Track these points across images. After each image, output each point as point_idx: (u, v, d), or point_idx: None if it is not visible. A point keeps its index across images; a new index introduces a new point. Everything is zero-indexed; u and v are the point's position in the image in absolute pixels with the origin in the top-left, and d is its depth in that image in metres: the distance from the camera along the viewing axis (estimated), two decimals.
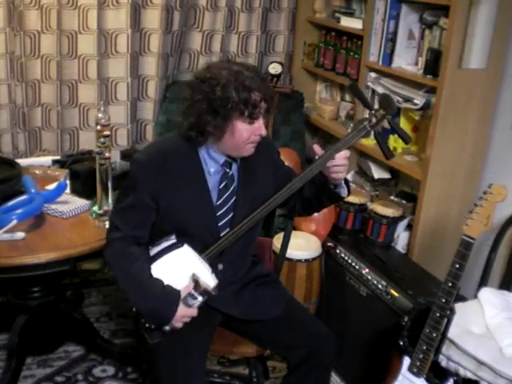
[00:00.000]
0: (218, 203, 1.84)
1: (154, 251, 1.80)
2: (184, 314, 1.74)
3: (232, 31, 3.40)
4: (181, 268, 1.77)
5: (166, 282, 1.76)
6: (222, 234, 1.84)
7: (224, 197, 1.85)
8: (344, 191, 1.90)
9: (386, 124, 2.82)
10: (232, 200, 1.86)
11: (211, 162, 1.82)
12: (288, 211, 2.12)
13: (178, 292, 1.74)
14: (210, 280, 1.76)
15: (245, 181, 1.87)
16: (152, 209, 1.80)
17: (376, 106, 1.81)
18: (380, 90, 2.77)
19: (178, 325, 1.76)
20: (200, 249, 1.80)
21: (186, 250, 1.78)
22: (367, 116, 1.80)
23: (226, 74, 1.69)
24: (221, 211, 1.85)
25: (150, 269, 1.76)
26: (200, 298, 1.75)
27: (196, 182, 1.81)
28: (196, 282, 1.74)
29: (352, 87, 2.08)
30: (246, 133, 1.74)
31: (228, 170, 1.84)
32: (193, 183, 1.81)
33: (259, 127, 1.75)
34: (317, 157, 1.79)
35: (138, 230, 1.81)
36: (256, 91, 1.70)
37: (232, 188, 1.86)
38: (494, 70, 2.40)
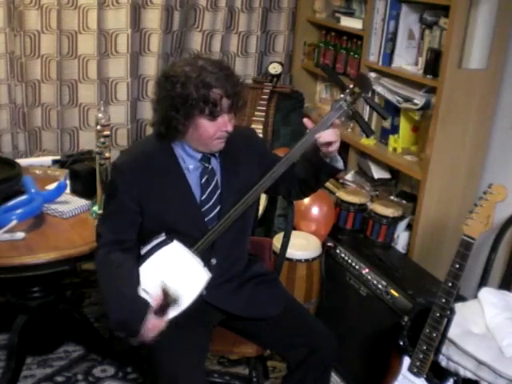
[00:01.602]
0: (203, 198, 1.84)
1: (144, 250, 1.80)
2: (152, 327, 1.70)
3: (232, 31, 3.40)
4: (172, 264, 1.77)
5: (155, 281, 1.74)
6: (209, 228, 1.84)
7: (207, 191, 1.84)
8: (340, 164, 1.87)
9: (386, 125, 2.83)
10: (217, 194, 1.86)
11: (189, 159, 1.83)
12: (284, 198, 2.11)
13: (147, 305, 1.70)
14: (198, 279, 1.76)
15: (228, 174, 1.87)
16: (136, 212, 1.80)
17: (351, 85, 1.78)
18: (380, 89, 2.77)
19: (147, 339, 1.72)
20: (190, 244, 1.80)
21: (175, 246, 1.78)
22: (342, 95, 1.78)
23: (189, 70, 1.70)
24: (206, 206, 1.85)
25: (128, 277, 1.74)
26: (170, 311, 1.72)
27: (176, 181, 1.82)
28: (165, 292, 1.72)
29: (325, 68, 2.08)
30: (212, 129, 1.74)
31: (207, 165, 1.84)
32: (173, 182, 1.81)
33: (224, 123, 1.75)
34: (308, 130, 1.76)
35: (122, 235, 1.81)
36: (217, 88, 1.69)
37: (214, 182, 1.85)
38: (493, 69, 2.40)
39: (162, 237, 1.79)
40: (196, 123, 1.73)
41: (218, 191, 1.86)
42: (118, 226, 1.81)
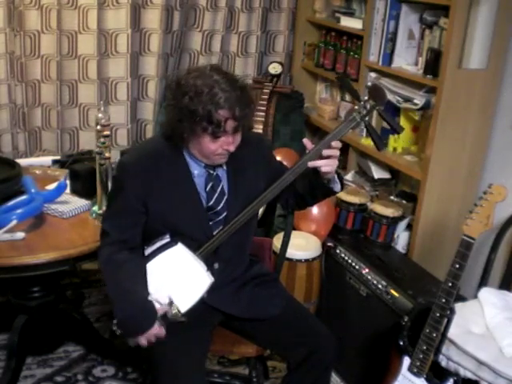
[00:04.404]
0: (210, 204, 1.84)
1: (148, 251, 1.80)
2: (155, 333, 1.73)
3: (232, 31, 3.40)
4: (175, 267, 1.77)
5: (159, 283, 1.75)
6: (215, 233, 1.84)
7: (214, 197, 1.84)
8: (337, 186, 1.87)
9: (386, 125, 2.83)
10: (224, 199, 1.85)
11: (194, 165, 1.82)
12: (282, 207, 2.11)
13: (155, 311, 1.72)
14: (201, 283, 1.76)
15: (235, 180, 1.87)
16: (140, 212, 1.79)
17: (365, 97, 1.76)
18: None
19: (144, 342, 1.74)
20: (194, 247, 1.80)
21: (180, 249, 1.78)
22: (356, 107, 1.75)
23: (200, 84, 1.66)
24: (213, 211, 1.84)
25: (137, 276, 1.75)
26: (170, 322, 1.75)
27: (184, 184, 1.81)
28: (170, 304, 1.74)
29: (340, 78, 2.06)
30: (214, 146, 1.72)
31: (212, 172, 1.83)
32: (180, 185, 1.81)
33: (227, 143, 1.73)
34: (307, 151, 1.76)
35: (126, 234, 1.81)
36: (224, 109, 1.65)
37: (220, 188, 1.85)
38: (494, 69, 2.40)
39: (167, 239, 1.79)
40: (198, 138, 1.71)
41: (225, 197, 1.85)
42: (123, 225, 1.80)
